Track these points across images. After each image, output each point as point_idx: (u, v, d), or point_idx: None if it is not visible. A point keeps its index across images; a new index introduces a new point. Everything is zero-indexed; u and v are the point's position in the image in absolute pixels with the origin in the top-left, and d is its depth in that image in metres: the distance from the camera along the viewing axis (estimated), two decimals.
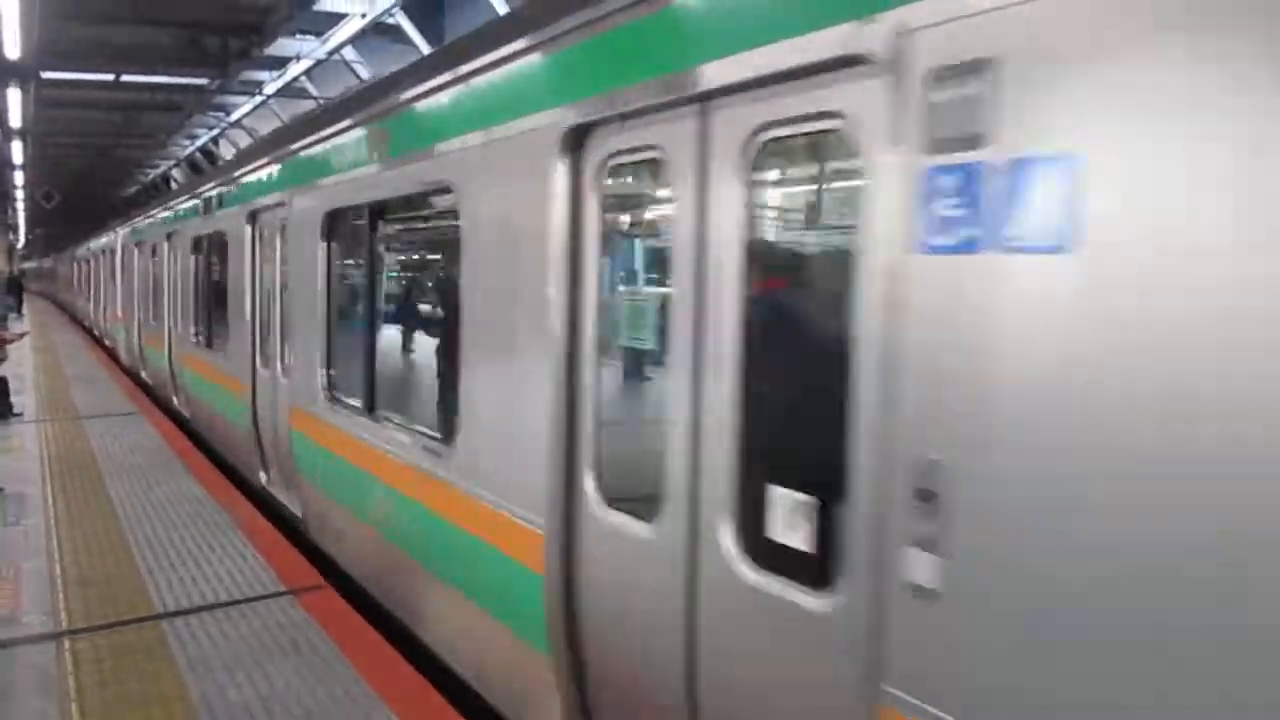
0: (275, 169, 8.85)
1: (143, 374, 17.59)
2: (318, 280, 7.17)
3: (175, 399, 14.10)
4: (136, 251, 18.28)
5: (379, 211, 6.46)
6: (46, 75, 15.61)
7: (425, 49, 13.99)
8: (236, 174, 10.51)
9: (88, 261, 31.12)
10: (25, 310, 35.32)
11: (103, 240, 26.04)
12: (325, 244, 7.17)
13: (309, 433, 7.38)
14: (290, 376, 7.98)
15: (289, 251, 8.12)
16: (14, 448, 10.95)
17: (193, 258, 12.65)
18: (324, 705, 4.66)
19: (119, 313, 21.22)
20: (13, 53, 12.47)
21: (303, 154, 7.93)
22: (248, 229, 9.58)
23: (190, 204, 13.17)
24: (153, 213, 16.91)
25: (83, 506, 8.40)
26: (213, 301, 11.65)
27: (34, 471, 9.76)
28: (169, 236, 14.31)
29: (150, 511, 8.23)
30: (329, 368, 7.11)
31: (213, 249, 11.62)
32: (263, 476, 9.07)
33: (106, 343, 24.53)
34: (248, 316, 9.46)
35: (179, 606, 5.97)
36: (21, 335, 12.68)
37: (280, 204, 8.45)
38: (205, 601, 6.05)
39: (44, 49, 12.96)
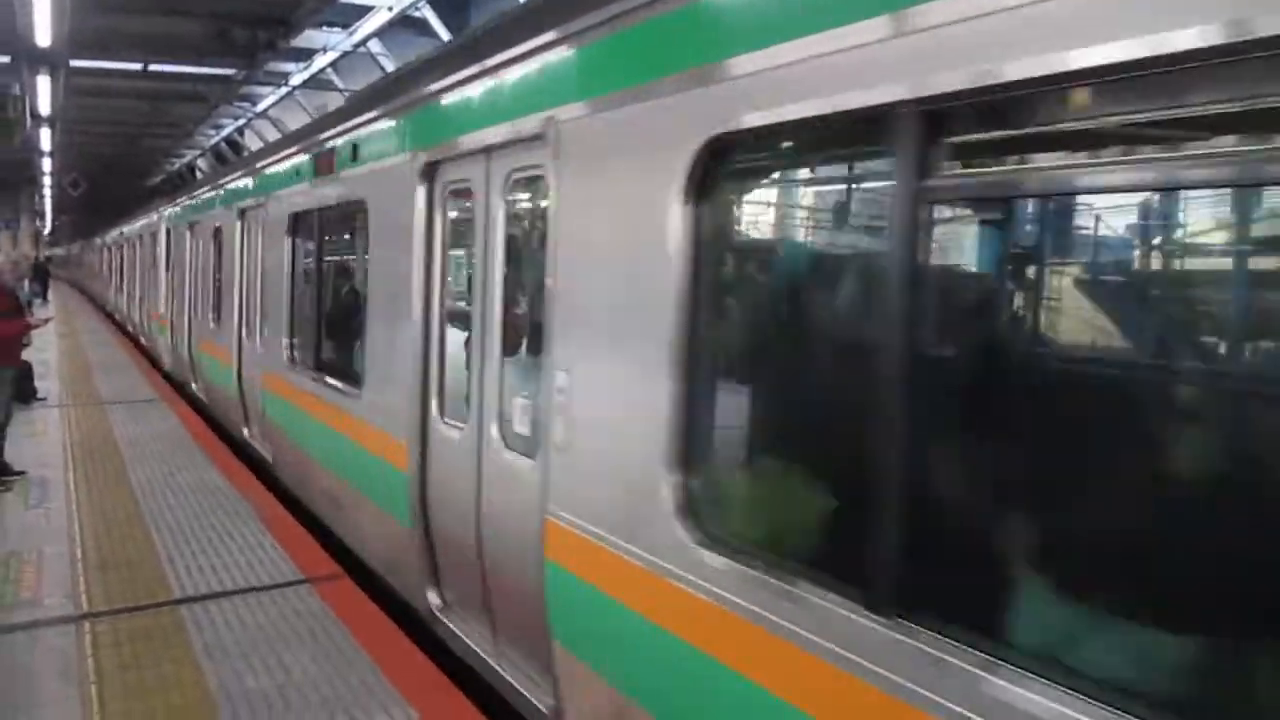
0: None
1: (194, 386, 14.47)
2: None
3: (246, 430, 10.72)
4: (189, 235, 15.05)
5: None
6: (76, 63, 15.72)
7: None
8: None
9: (119, 249, 28.79)
10: (50, 296, 35.65)
11: (138, 225, 23.87)
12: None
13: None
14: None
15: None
16: (37, 432, 11.06)
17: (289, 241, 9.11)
18: (340, 694, 4.69)
19: (159, 309, 18.25)
20: (43, 40, 12.56)
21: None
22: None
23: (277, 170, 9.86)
24: (220, 183, 13.27)
25: (104, 491, 8.48)
26: (310, 299, 8.86)
27: (56, 456, 9.86)
28: (243, 213, 11.11)
29: (170, 497, 8.29)
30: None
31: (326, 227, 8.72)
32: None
33: (143, 342, 21.77)
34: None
35: (197, 592, 6.02)
36: (46, 321, 12.77)
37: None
38: (224, 588, 6.10)
39: (74, 37, 13.04)
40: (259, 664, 5.00)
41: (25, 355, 10.35)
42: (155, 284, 19.13)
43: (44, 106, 17.76)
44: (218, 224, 12.46)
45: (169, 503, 8.13)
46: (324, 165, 8.00)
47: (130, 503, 8.12)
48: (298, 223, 8.92)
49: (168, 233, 17.65)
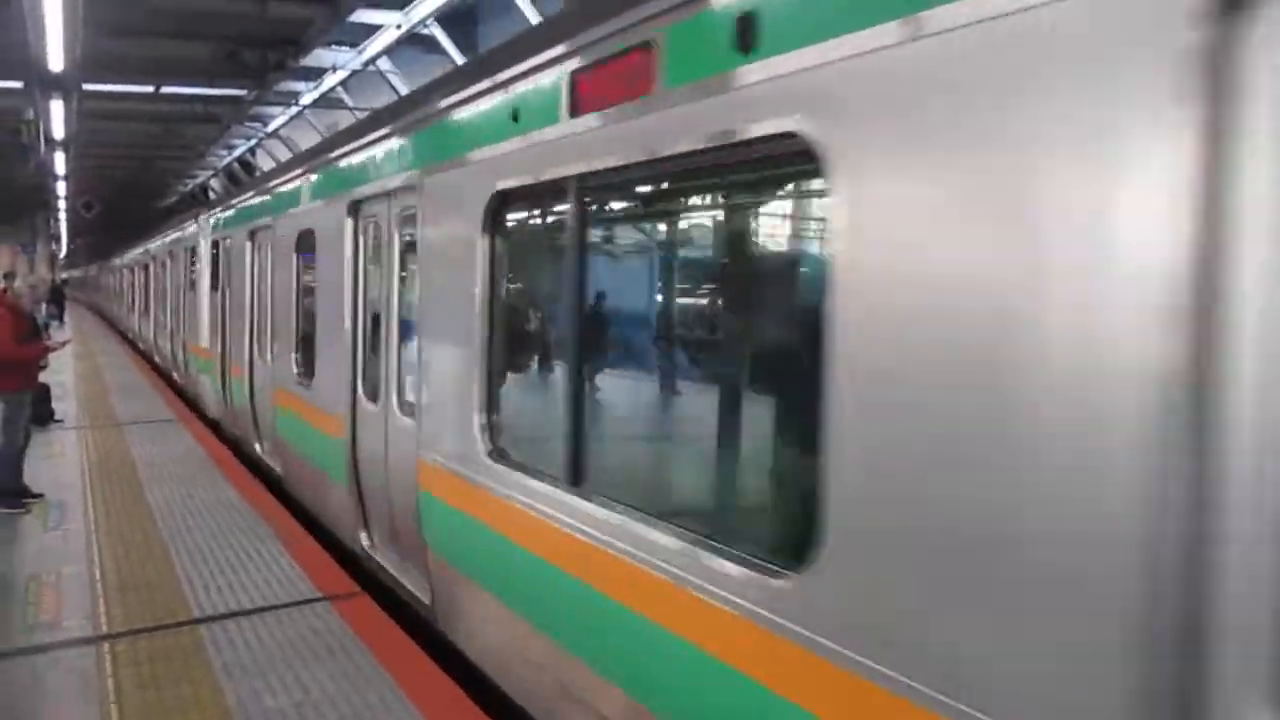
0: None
1: (258, 450, 11.13)
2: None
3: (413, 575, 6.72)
4: (250, 245, 11.67)
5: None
6: (88, 87, 15.86)
7: (459, 60, 14.09)
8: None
9: (141, 269, 26.67)
10: (67, 319, 35.91)
11: (167, 239, 21.17)
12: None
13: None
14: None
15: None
16: (55, 454, 11.12)
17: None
18: (359, 712, 4.68)
19: (200, 340, 15.21)
20: (56, 65, 12.68)
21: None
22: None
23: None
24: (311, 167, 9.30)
25: (122, 512, 8.51)
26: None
27: (74, 477, 9.91)
28: (356, 206, 7.59)
29: (189, 518, 8.32)
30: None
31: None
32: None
33: (177, 379, 18.68)
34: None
35: (216, 611, 6.04)
36: (64, 344, 12.84)
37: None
38: (242, 607, 6.11)
39: (86, 61, 13.16)
40: (277, 682, 5.01)
41: (42, 377, 10.40)
42: (195, 309, 15.95)
43: (57, 130, 17.91)
44: (307, 227, 8.99)
45: (187, 523, 8.16)
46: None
47: (149, 523, 8.16)
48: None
49: (216, 245, 14.51)
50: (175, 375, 19.22)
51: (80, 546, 7.45)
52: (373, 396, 7.13)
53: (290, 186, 9.97)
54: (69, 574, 6.77)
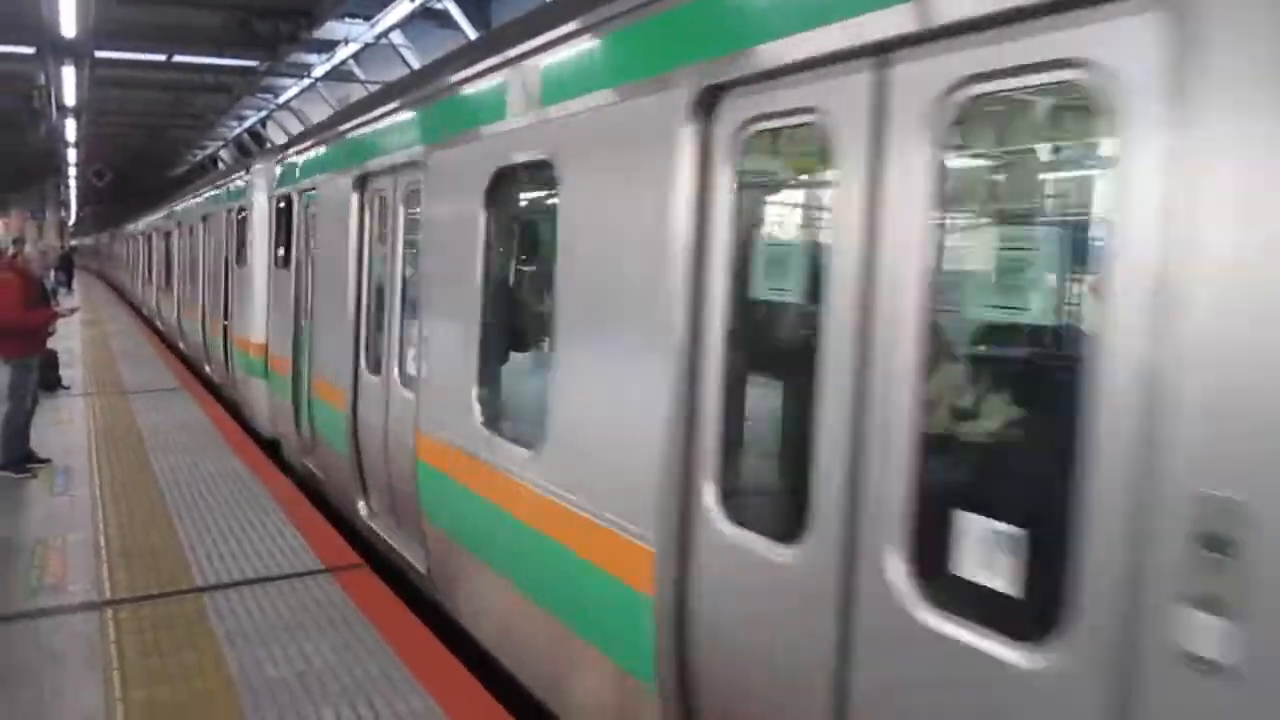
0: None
1: (362, 509, 7.39)
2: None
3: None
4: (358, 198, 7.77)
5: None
6: (100, 54, 15.84)
7: (472, 35, 14.02)
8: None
9: (163, 236, 22.19)
10: (75, 285, 35.98)
11: (200, 199, 16.93)
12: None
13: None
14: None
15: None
16: (62, 420, 11.17)
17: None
18: (360, 682, 4.71)
19: (253, 333, 11.41)
20: (68, 31, 12.67)
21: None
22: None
23: None
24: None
25: (127, 479, 8.56)
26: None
27: (81, 444, 9.96)
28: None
29: (193, 486, 8.36)
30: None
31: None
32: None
33: (209, 372, 14.95)
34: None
35: (219, 580, 6.07)
36: (73, 311, 12.85)
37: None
38: (245, 576, 6.14)
39: (98, 28, 13.13)
40: (279, 652, 5.04)
41: (50, 344, 10.44)
42: (244, 291, 11.85)
43: (69, 97, 17.90)
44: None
45: (192, 491, 8.20)
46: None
47: (154, 491, 8.20)
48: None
49: (285, 203, 10.11)
50: (208, 369, 14.94)
51: (86, 512, 7.50)
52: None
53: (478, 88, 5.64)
54: (74, 540, 6.82)
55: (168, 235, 21.47)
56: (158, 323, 23.28)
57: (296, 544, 6.82)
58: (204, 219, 15.75)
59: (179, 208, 20.15)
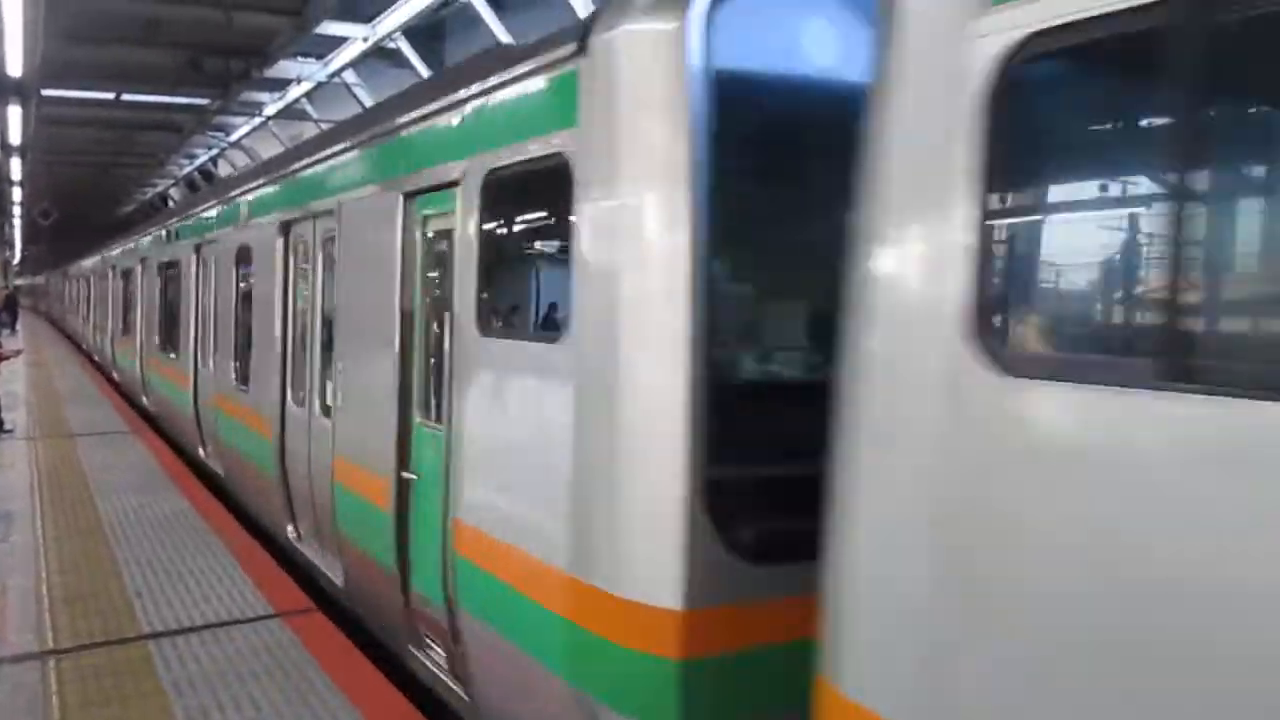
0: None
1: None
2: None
3: None
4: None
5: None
6: (47, 92, 15.67)
7: (425, 73, 14.08)
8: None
9: (122, 278, 19.82)
10: (19, 327, 35.28)
11: (146, 239, 16.31)
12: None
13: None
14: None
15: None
16: (4, 465, 10.91)
17: None
18: None
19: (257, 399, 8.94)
20: (14, 70, 12.53)
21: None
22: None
23: None
24: None
25: (71, 524, 8.37)
26: None
27: (23, 488, 9.73)
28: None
29: (140, 530, 8.19)
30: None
31: None
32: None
33: (202, 455, 11.47)
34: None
35: (166, 627, 5.94)
36: (17, 353, 12.60)
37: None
38: (193, 622, 6.02)
39: (45, 67, 13.01)
40: (228, 699, 4.94)
41: None
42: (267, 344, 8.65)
43: (14, 136, 17.66)
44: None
45: (138, 535, 8.03)
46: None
47: (98, 536, 8.02)
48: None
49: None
50: (202, 454, 11.55)
51: (28, 559, 7.31)
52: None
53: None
54: (15, 587, 6.64)
55: (126, 275, 19.83)
56: (115, 375, 21.05)
57: (245, 588, 6.71)
58: (197, 251, 13.17)
59: (140, 244, 18.54)
